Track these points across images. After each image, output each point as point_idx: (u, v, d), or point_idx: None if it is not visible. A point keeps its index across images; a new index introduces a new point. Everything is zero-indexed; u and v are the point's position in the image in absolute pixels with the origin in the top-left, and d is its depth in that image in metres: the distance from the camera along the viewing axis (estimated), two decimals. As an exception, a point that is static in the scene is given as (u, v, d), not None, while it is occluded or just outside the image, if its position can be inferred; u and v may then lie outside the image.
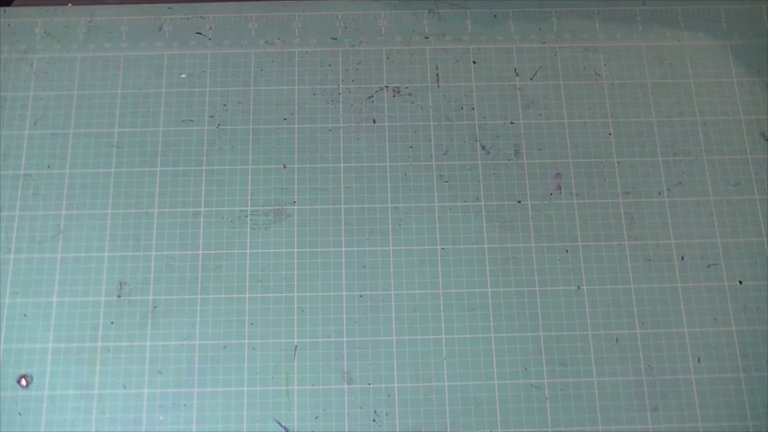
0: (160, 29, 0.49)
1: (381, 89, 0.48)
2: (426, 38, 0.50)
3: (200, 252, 0.44)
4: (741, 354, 0.43)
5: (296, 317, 0.43)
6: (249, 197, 0.46)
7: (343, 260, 0.44)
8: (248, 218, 0.45)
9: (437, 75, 0.49)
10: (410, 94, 0.48)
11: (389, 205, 0.46)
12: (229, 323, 0.43)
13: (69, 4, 0.50)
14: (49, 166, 0.46)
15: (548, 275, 0.44)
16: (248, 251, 0.45)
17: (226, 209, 0.45)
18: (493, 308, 0.44)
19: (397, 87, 0.48)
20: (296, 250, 0.45)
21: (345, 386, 0.42)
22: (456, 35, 0.50)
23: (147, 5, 0.50)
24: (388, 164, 0.46)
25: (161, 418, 0.42)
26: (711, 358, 0.43)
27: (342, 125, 0.47)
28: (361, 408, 0.42)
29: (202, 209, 0.45)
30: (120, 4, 0.50)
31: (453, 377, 0.42)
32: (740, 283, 0.44)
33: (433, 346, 0.43)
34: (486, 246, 0.45)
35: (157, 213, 0.45)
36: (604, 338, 0.43)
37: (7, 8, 0.50)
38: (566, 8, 0.50)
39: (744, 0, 0.51)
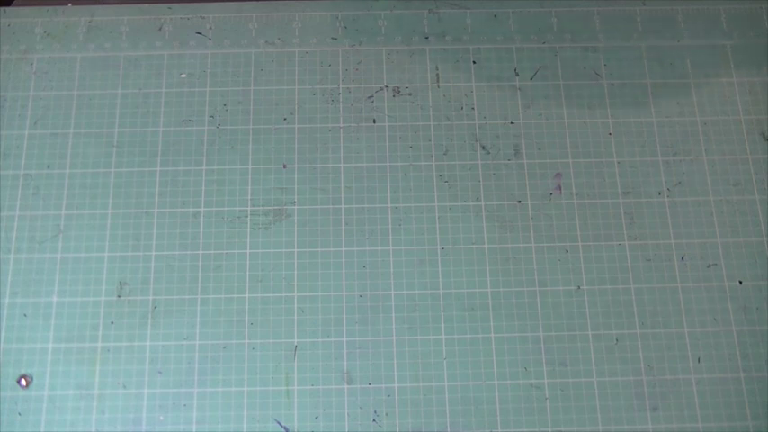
0: (160, 29, 0.49)
1: (381, 89, 0.48)
2: (426, 38, 0.50)
3: (200, 252, 0.44)
4: (741, 354, 0.43)
5: (296, 317, 0.43)
6: (249, 197, 0.46)
7: (343, 260, 0.44)
8: (248, 218, 0.45)
9: (437, 75, 0.49)
10: (410, 94, 0.48)
11: (389, 205, 0.46)
12: (229, 323, 0.43)
13: (69, 4, 0.50)
14: (48, 166, 0.46)
15: (548, 275, 0.44)
16: (248, 251, 0.45)
17: (226, 209, 0.45)
18: (493, 308, 0.44)
19: (397, 87, 0.48)
20: (296, 250, 0.45)
21: (345, 386, 0.42)
22: (456, 35, 0.50)
23: (147, 5, 0.50)
24: (388, 164, 0.46)
25: (161, 418, 0.42)
26: (711, 358, 0.43)
27: (342, 125, 0.47)
28: (361, 408, 0.42)
29: (202, 209, 0.45)
30: (120, 4, 0.50)
31: (453, 377, 0.42)
32: (740, 283, 0.44)
33: (433, 346, 0.43)
34: (486, 246, 0.45)
35: (157, 213, 0.45)
36: (604, 338, 0.43)
37: (7, 8, 0.50)
38: (566, 8, 0.50)
39: (744, 0, 0.51)
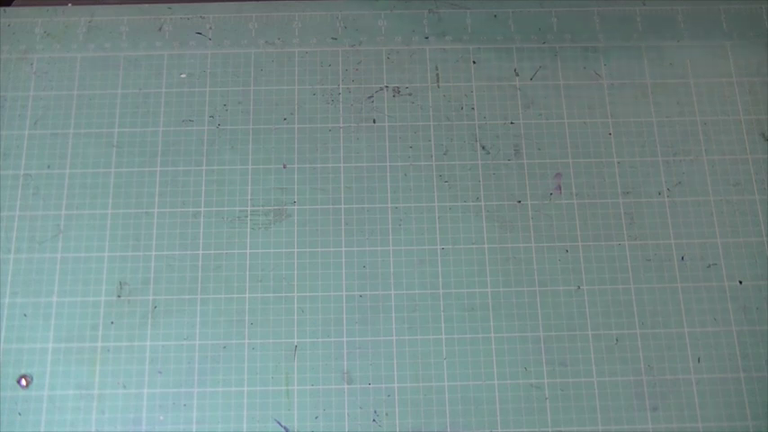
0: (160, 29, 0.49)
1: (381, 89, 0.48)
2: (426, 38, 0.50)
3: (200, 252, 0.44)
4: (741, 354, 0.43)
5: (296, 317, 0.43)
6: (249, 197, 0.46)
7: (343, 260, 0.44)
8: (248, 218, 0.45)
9: (437, 75, 0.49)
10: (410, 94, 0.48)
11: (389, 205, 0.46)
12: (229, 323, 0.43)
13: (69, 4, 0.50)
14: (49, 166, 0.46)
15: (548, 275, 0.44)
16: (248, 251, 0.45)
17: (226, 209, 0.45)
18: (493, 308, 0.44)
19: (397, 87, 0.48)
20: (296, 250, 0.45)
21: (345, 386, 0.42)
22: (456, 35, 0.50)
23: (147, 5, 0.50)
24: (388, 164, 0.46)
25: (161, 418, 0.42)
26: (711, 358, 0.43)
27: (342, 125, 0.47)
28: (361, 408, 0.42)
29: (202, 209, 0.45)
30: (120, 4, 0.50)
31: (453, 377, 0.42)
32: (740, 283, 0.44)
33: (433, 346, 0.43)
34: (486, 246, 0.45)
35: (157, 213, 0.45)
36: (604, 338, 0.43)
37: (7, 8, 0.50)
38: (566, 8, 0.50)
39: (744, 0, 0.51)
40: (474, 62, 0.49)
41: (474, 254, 0.45)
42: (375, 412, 0.42)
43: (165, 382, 0.42)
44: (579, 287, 0.44)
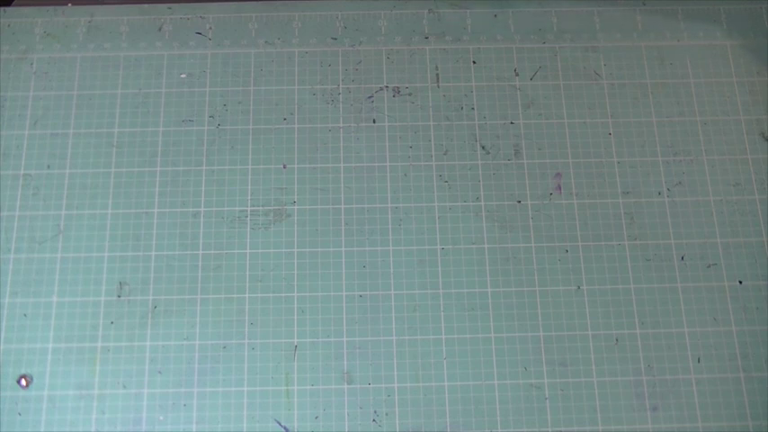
0: (160, 29, 0.49)
1: (381, 89, 0.48)
2: (426, 38, 0.50)
3: (200, 252, 0.44)
4: (741, 354, 0.43)
5: (296, 317, 0.43)
6: (249, 197, 0.46)
7: (343, 260, 0.44)
8: (248, 218, 0.45)
9: (437, 75, 0.49)
10: (410, 94, 0.48)
11: (389, 205, 0.46)
12: (229, 323, 0.43)
13: (69, 4, 0.50)
14: (48, 166, 0.46)
15: (548, 275, 0.44)
16: (248, 251, 0.45)
17: (226, 209, 0.45)
18: (493, 308, 0.44)
19: (397, 87, 0.48)
20: (296, 250, 0.45)
21: (345, 386, 0.42)
22: (456, 35, 0.50)
23: (147, 5, 0.50)
24: (388, 164, 0.46)
25: (161, 418, 0.42)
26: (711, 358, 0.43)
27: (342, 125, 0.47)
28: (361, 408, 0.42)
29: (202, 209, 0.45)
30: (120, 4, 0.50)
31: (453, 377, 0.42)
32: (740, 283, 0.44)
33: (433, 346, 0.43)
34: (486, 246, 0.45)
35: (157, 213, 0.45)
36: (604, 338, 0.43)
37: (7, 8, 0.50)
38: (566, 8, 0.50)
39: (744, 0, 0.51)
40: (474, 62, 0.49)
41: (474, 254, 0.45)
42: (375, 412, 0.42)
43: (165, 382, 0.42)
44: (579, 287, 0.44)
